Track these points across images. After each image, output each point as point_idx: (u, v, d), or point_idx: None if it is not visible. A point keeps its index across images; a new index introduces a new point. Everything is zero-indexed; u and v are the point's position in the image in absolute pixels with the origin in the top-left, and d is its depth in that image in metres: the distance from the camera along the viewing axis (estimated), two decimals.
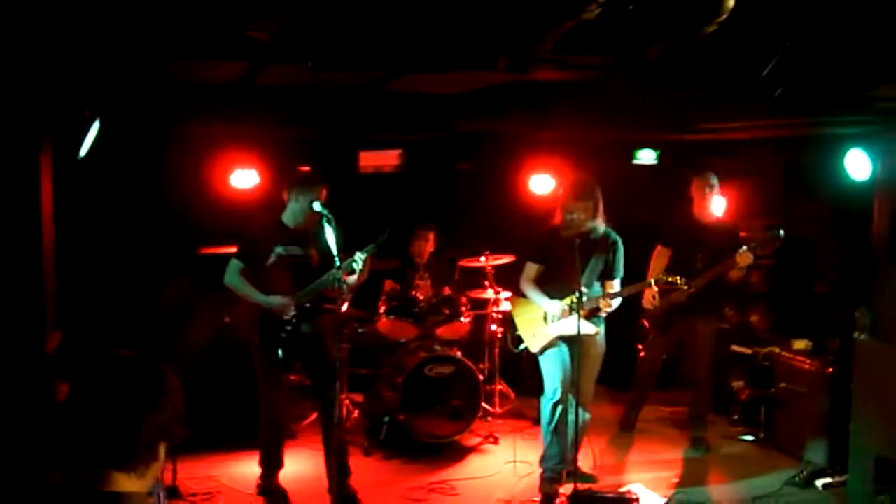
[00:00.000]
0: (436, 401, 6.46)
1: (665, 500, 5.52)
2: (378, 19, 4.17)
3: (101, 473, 1.94)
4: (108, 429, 1.94)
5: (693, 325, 6.45)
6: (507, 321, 6.33)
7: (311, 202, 5.24)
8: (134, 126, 6.10)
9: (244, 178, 6.81)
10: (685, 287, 5.75)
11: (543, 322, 5.60)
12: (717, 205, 6.75)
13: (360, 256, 5.25)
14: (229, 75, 5.57)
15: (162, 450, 2.04)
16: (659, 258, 6.43)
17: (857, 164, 5.91)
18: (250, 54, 4.94)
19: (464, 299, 7.11)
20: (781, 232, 6.14)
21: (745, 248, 6.01)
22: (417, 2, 3.98)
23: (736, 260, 6.00)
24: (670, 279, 5.56)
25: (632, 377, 6.99)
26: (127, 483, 1.95)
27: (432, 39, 4.37)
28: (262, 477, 5.54)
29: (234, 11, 4.15)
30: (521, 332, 5.74)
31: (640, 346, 7.03)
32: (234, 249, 5.50)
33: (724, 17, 3.62)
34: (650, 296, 6.39)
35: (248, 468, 5.80)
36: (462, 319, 7.03)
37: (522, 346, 5.70)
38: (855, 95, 4.92)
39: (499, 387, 7.32)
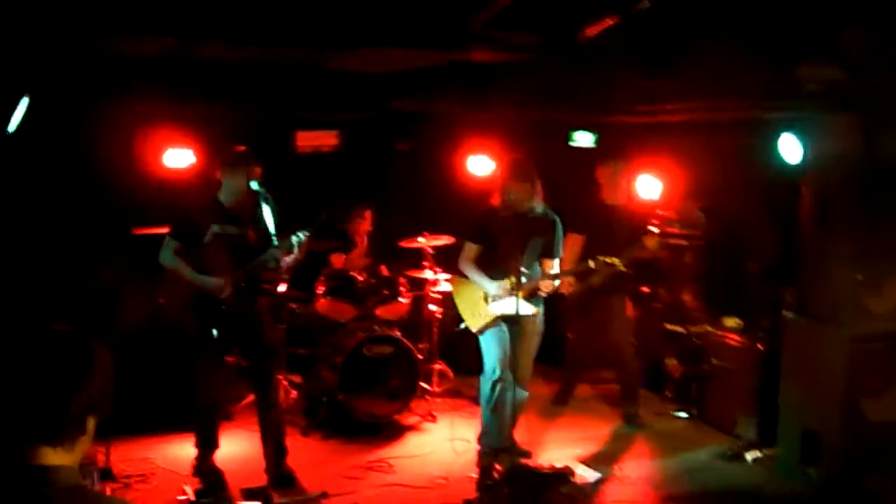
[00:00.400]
0: (375, 381, 6.47)
1: (600, 474, 5.63)
2: None
3: (29, 447, 1.91)
4: (35, 402, 1.90)
5: (610, 305, 6.65)
6: (448, 301, 6.36)
7: (247, 181, 5.18)
8: (64, 103, 5.94)
9: (179, 158, 6.68)
10: (623, 268, 5.85)
11: (483, 302, 5.65)
12: (641, 188, 7.02)
13: (298, 236, 5.21)
14: (161, 50, 5.46)
15: (91, 424, 2.01)
16: (572, 246, 6.40)
17: (790, 148, 6.06)
18: (182, 29, 4.86)
19: (402, 279, 7.12)
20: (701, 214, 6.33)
21: (652, 229, 6.15)
22: None
23: (645, 242, 6.12)
24: (609, 260, 5.63)
25: (563, 357, 7.19)
26: (55, 457, 1.93)
27: (368, 15, 4.35)
28: (198, 458, 5.49)
29: None
30: (462, 311, 5.78)
31: (567, 335, 7.16)
32: (168, 229, 5.41)
33: None
34: (567, 281, 6.48)
35: (183, 450, 5.75)
36: (401, 299, 7.04)
37: (463, 325, 5.74)
38: (781, 75, 5.03)
39: (437, 366, 7.37)
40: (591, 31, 4.22)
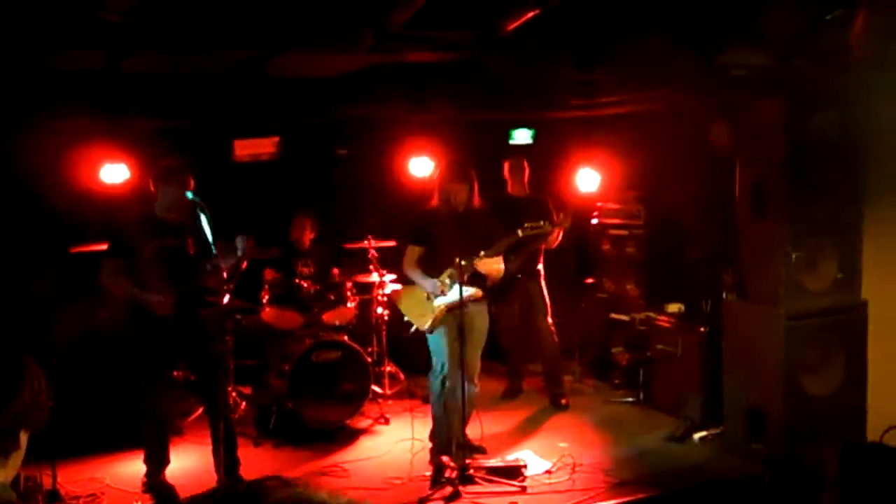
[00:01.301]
0: (324, 386, 6.45)
1: (551, 463, 5.69)
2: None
3: None
4: None
5: (526, 289, 7.02)
6: (395, 304, 6.37)
7: (181, 192, 5.15)
8: None
9: (114, 173, 6.59)
10: (549, 228, 5.97)
11: (428, 301, 5.68)
12: (581, 181, 7.60)
13: (242, 241, 5.20)
14: (91, 64, 5.40)
15: (23, 438, 1.98)
16: None
17: (720, 134, 6.19)
18: (106, 41, 4.80)
19: (349, 284, 7.11)
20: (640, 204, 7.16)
21: (560, 215, 6.42)
22: None
23: (554, 222, 6.33)
24: (534, 225, 5.70)
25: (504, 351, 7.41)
26: None
27: (295, 18, 4.35)
28: (148, 475, 5.42)
29: None
30: (409, 315, 5.80)
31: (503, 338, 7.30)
32: (105, 246, 5.35)
33: None
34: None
35: (132, 467, 5.66)
36: (348, 304, 7.03)
37: (413, 329, 5.77)
38: (708, 62, 5.14)
39: (388, 368, 7.37)
40: (512, 24, 4.26)
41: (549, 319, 7.07)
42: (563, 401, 7.02)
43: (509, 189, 7.16)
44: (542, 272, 7.10)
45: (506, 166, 7.19)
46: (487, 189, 5.96)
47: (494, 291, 6.70)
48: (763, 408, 5.68)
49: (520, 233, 5.68)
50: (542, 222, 5.76)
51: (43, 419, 2.00)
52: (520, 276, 6.92)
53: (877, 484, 4.23)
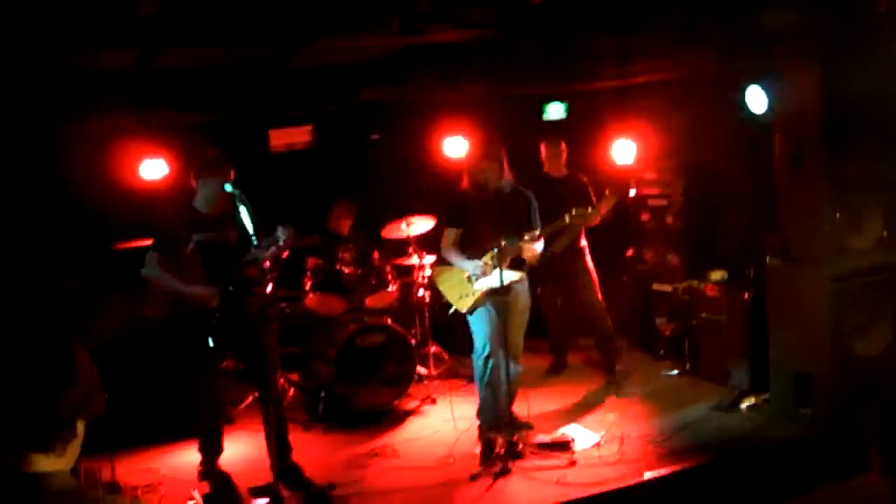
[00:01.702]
0: (370, 370, 6.51)
1: (599, 436, 5.70)
2: None
3: (19, 455, 1.93)
4: (21, 409, 1.93)
5: (572, 267, 6.89)
6: (435, 286, 6.41)
7: (221, 184, 5.20)
8: (33, 122, 5.94)
9: (153, 169, 6.69)
10: (595, 214, 5.95)
11: (468, 282, 5.69)
12: (617, 152, 7.47)
13: (281, 232, 5.25)
14: (122, 61, 5.48)
15: (80, 427, 2.03)
16: None
17: (756, 100, 6.11)
18: (142, 39, 4.87)
19: (389, 267, 7.15)
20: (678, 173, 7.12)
21: (605, 196, 6.43)
22: None
23: (600, 207, 6.30)
24: (580, 212, 5.67)
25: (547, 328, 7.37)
26: (46, 463, 1.94)
27: (325, 7, 4.37)
28: (203, 463, 5.52)
29: None
30: (448, 296, 5.83)
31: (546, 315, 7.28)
32: (149, 242, 5.43)
33: None
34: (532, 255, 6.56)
35: (188, 457, 5.78)
36: (389, 288, 7.07)
37: (453, 310, 5.80)
38: (744, 25, 5.07)
39: (432, 349, 7.41)
40: None
41: (599, 296, 6.96)
42: (623, 377, 6.88)
43: (546, 169, 7.09)
44: (587, 248, 7.02)
45: (542, 148, 7.10)
46: (521, 167, 5.92)
47: (538, 273, 6.73)
48: (810, 372, 5.63)
49: (567, 219, 5.65)
50: (588, 209, 5.76)
51: (98, 407, 2.06)
52: (564, 255, 6.84)
53: None
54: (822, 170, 5.52)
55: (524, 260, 5.65)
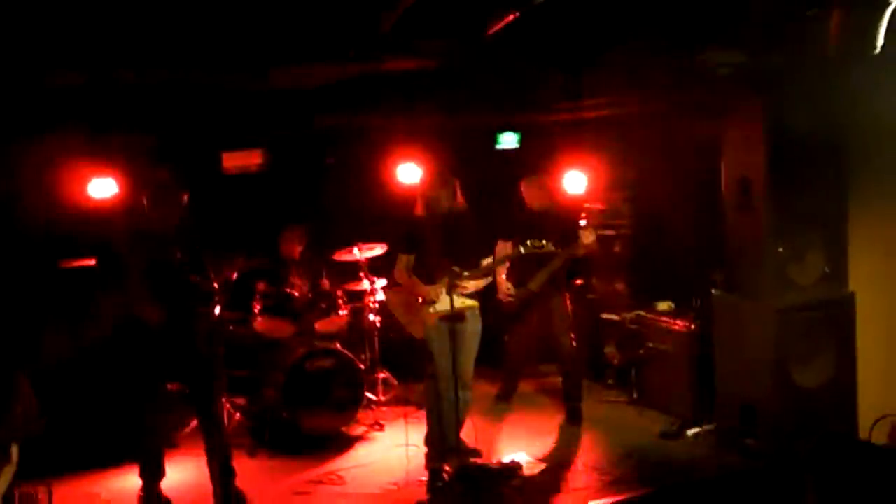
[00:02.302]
0: (319, 395, 6.46)
1: (545, 464, 5.72)
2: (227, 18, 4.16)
3: None
4: None
5: (548, 306, 6.67)
6: (386, 310, 6.40)
7: (173, 206, 5.17)
8: None
9: (102, 187, 6.59)
10: (553, 248, 5.89)
11: (421, 307, 5.70)
12: (568, 184, 7.43)
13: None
14: (77, 81, 5.43)
15: (14, 452, 2.01)
16: (501, 251, 6.43)
17: (703, 134, 6.25)
18: (96, 59, 4.84)
19: (340, 292, 7.13)
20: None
21: (585, 226, 6.35)
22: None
23: (581, 240, 6.28)
24: (537, 244, 5.68)
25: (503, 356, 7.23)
26: None
27: (284, 34, 4.39)
28: (144, 488, 5.41)
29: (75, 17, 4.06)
30: (402, 318, 5.83)
31: (505, 338, 7.15)
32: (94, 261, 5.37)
33: None
34: (505, 289, 6.55)
35: (128, 481, 5.66)
36: (340, 312, 7.04)
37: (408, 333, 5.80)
38: (690, 62, 5.21)
39: (381, 375, 7.38)
40: (494, 28, 4.31)
41: (572, 335, 6.77)
42: (580, 419, 6.74)
43: (528, 202, 6.75)
44: (567, 285, 6.88)
45: (522, 183, 6.78)
46: (474, 193, 5.94)
47: (512, 314, 6.73)
48: (755, 402, 5.72)
49: (522, 250, 5.67)
50: (544, 242, 5.71)
51: (33, 432, 2.03)
52: (543, 291, 6.67)
53: (848, 474, 4.28)
54: (767, 204, 5.64)
55: (473, 287, 5.68)
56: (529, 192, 6.72)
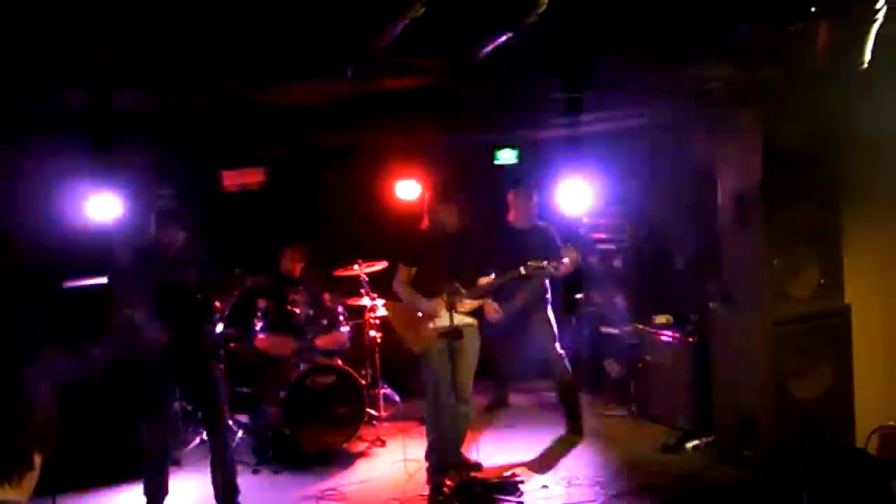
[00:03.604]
0: (320, 411, 6.50)
1: (547, 478, 5.75)
2: (222, 35, 4.24)
3: None
4: None
5: (533, 322, 6.74)
6: (388, 326, 6.45)
7: (179, 230, 5.26)
8: None
9: (103, 207, 6.63)
10: (550, 268, 5.94)
11: (422, 322, 5.74)
12: (566, 198, 7.44)
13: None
14: (76, 102, 5.49)
15: (37, 459, 2.06)
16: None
17: (699, 148, 6.32)
18: (95, 81, 4.91)
19: (341, 308, 7.18)
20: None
21: (567, 245, 6.28)
22: (254, 18, 4.07)
23: (562, 258, 6.29)
24: (537, 263, 5.73)
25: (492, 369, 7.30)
26: (2, 493, 1.97)
27: (279, 51, 4.46)
28: None
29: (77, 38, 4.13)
30: (402, 334, 5.88)
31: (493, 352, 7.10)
32: (102, 281, 5.43)
33: (544, 7, 3.84)
34: (492, 309, 6.58)
35: (133, 499, 5.70)
36: (341, 329, 7.09)
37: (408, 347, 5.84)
38: (683, 77, 5.27)
39: (383, 390, 7.42)
40: (487, 48, 4.38)
41: (559, 347, 6.80)
42: (581, 432, 6.78)
43: (511, 218, 6.86)
44: (549, 302, 6.90)
45: (511, 196, 6.88)
46: (474, 211, 6.01)
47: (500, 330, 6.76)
48: (752, 414, 5.76)
49: (522, 270, 5.73)
50: (544, 262, 5.74)
51: (53, 442, 2.08)
52: (527, 306, 6.70)
53: (841, 482, 4.30)
54: (762, 219, 5.69)
55: (471, 305, 5.73)
56: (517, 206, 6.81)
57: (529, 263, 5.73)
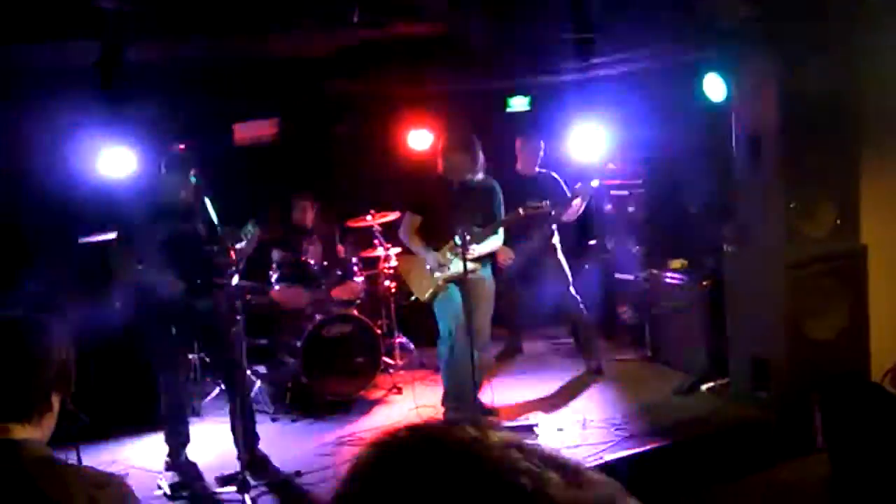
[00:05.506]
0: (337, 360, 6.56)
1: (561, 422, 5.81)
2: None
3: None
4: (1, 384, 2.02)
5: (545, 268, 6.83)
6: (401, 278, 6.49)
7: (189, 178, 5.24)
8: None
9: (117, 161, 6.64)
10: (549, 210, 5.95)
11: (428, 271, 5.76)
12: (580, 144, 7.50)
13: (249, 228, 5.29)
14: (86, 55, 5.47)
15: (55, 401, 2.12)
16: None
17: (714, 88, 6.23)
18: (107, 32, 4.88)
19: (355, 259, 7.20)
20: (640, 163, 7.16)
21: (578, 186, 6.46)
22: None
23: (572, 202, 6.30)
24: (535, 205, 5.74)
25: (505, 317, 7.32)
26: (23, 432, 2.03)
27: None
28: (170, 454, 5.54)
29: None
30: (410, 284, 5.90)
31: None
32: (113, 235, 5.45)
33: None
34: (506, 255, 6.57)
35: (155, 447, 5.79)
36: (355, 279, 7.12)
37: (414, 297, 5.87)
38: (699, 16, 5.16)
39: (398, 339, 7.48)
40: None
41: (573, 291, 6.88)
42: (601, 370, 6.88)
43: (519, 166, 6.96)
44: (559, 245, 6.95)
45: (518, 143, 6.97)
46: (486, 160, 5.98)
47: (514, 277, 6.80)
48: (767, 356, 5.76)
49: (521, 211, 5.72)
50: (542, 202, 5.75)
51: (71, 385, 2.15)
52: (536, 252, 6.81)
53: (855, 413, 4.33)
54: (778, 160, 5.64)
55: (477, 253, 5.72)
56: (525, 152, 6.88)
57: (527, 204, 5.72)
